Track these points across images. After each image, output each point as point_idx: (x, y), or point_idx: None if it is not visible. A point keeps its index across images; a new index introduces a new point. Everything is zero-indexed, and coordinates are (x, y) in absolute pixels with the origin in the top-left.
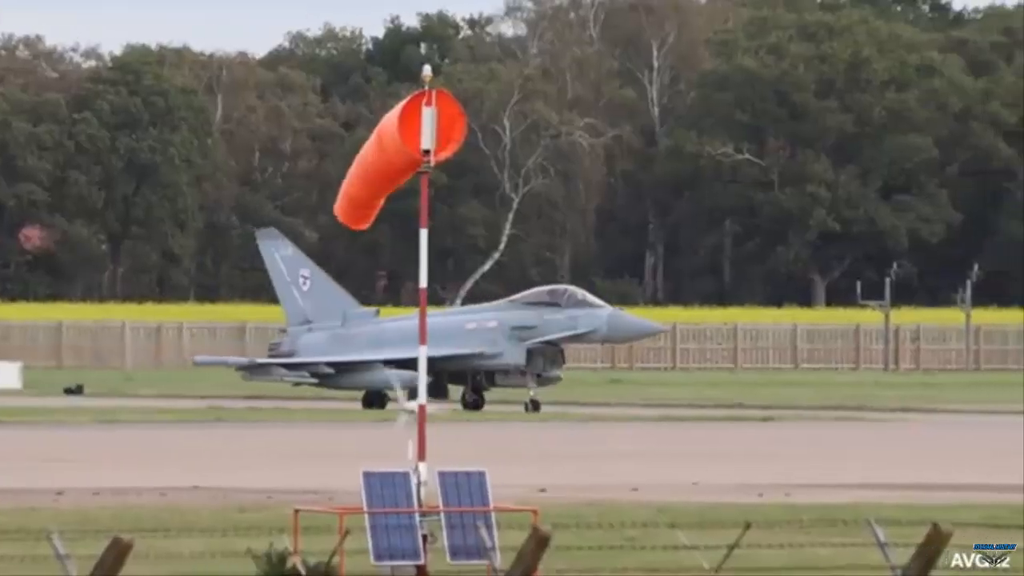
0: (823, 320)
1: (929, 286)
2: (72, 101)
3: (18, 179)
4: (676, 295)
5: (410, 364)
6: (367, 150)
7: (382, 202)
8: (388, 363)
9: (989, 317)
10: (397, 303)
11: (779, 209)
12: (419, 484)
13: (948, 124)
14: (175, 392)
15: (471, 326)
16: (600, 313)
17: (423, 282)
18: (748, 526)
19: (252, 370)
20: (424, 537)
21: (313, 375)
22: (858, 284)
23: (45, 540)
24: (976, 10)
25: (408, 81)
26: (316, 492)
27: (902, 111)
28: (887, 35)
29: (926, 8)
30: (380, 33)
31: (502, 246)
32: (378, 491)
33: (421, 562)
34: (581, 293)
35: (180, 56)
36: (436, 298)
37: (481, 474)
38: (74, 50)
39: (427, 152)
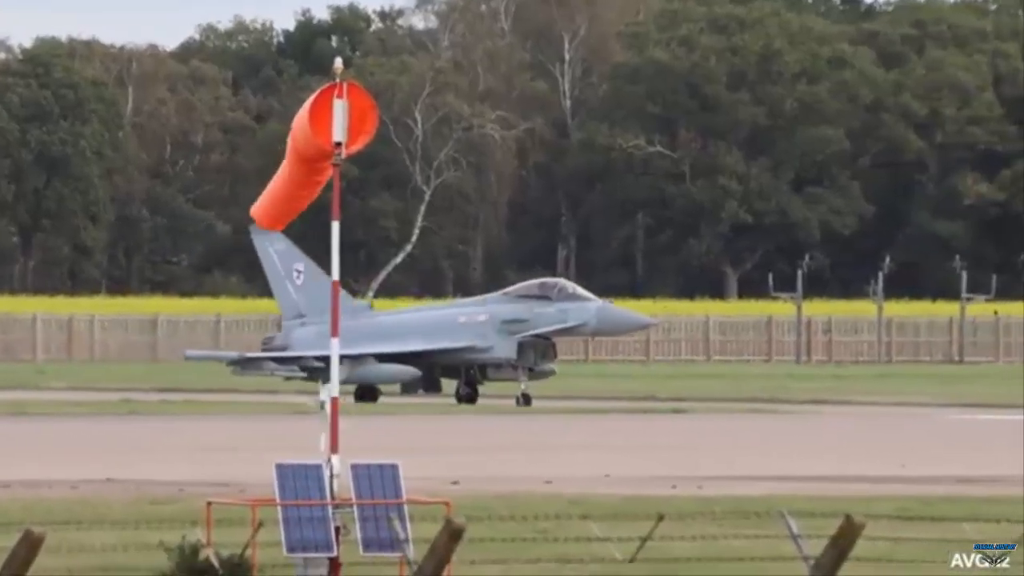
0: (735, 312)
1: (841, 278)
2: None
3: None
4: (588, 287)
5: (402, 358)
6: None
7: (304, 205)
8: (380, 357)
9: (901, 309)
10: None
11: (691, 201)
12: (332, 476)
13: (859, 116)
14: (87, 385)
15: (462, 320)
16: (590, 306)
17: (335, 274)
18: (661, 518)
19: (242, 364)
20: (337, 529)
21: (303, 369)
22: (770, 276)
23: None
24: (887, 2)
25: (319, 74)
26: (228, 484)
27: (813, 103)
28: (798, 27)
29: (837, 1)
30: (291, 26)
31: (414, 239)
32: (291, 483)
33: (334, 554)
34: (572, 287)
35: (90, 49)
36: (348, 291)
37: (394, 467)
38: None
39: (338, 145)
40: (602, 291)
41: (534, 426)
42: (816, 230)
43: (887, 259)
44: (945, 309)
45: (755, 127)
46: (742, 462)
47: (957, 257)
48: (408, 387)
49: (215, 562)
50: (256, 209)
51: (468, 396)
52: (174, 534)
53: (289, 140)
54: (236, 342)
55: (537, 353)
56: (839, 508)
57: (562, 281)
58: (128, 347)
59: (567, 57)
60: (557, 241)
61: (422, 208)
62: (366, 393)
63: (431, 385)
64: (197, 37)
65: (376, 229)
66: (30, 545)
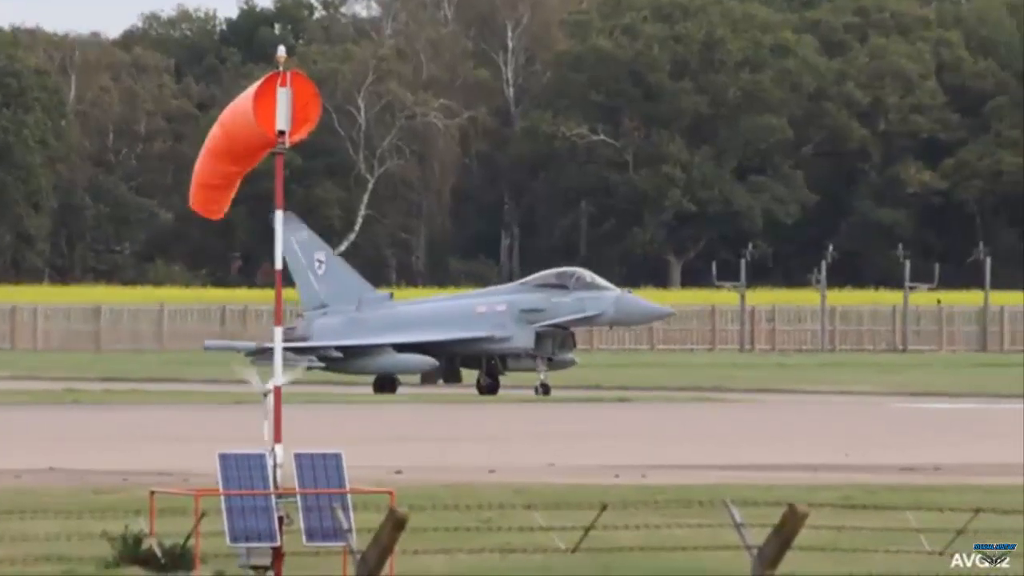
0: (679, 301)
1: (784, 267)
2: None
3: None
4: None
5: (422, 348)
6: (213, 134)
7: (236, 186)
8: (400, 347)
9: (844, 298)
10: (252, 285)
11: (634, 190)
12: (275, 466)
13: (802, 105)
14: (29, 374)
15: (481, 309)
16: (608, 296)
17: (278, 263)
18: (604, 507)
19: (260, 355)
20: (280, 519)
21: (321, 359)
22: (713, 265)
23: None
24: None
25: (263, 62)
26: (172, 474)
27: (756, 92)
28: (741, 15)
29: None
30: (234, 14)
31: (357, 227)
32: (234, 473)
33: (277, 544)
34: (590, 276)
35: (33, 37)
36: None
37: (337, 456)
38: None
39: (282, 133)
40: None
41: (479, 415)
42: (759, 219)
43: (830, 248)
44: (888, 298)
45: (698, 116)
46: (686, 451)
47: (900, 246)
48: (427, 377)
49: (158, 551)
50: (194, 201)
51: (489, 387)
52: (117, 523)
53: (217, 128)
54: (180, 332)
55: (556, 343)
56: (782, 497)
57: (580, 271)
58: (71, 336)
59: (510, 45)
60: (500, 229)
61: (365, 197)
62: (385, 383)
63: (451, 376)
64: (140, 25)
65: (319, 218)
66: None
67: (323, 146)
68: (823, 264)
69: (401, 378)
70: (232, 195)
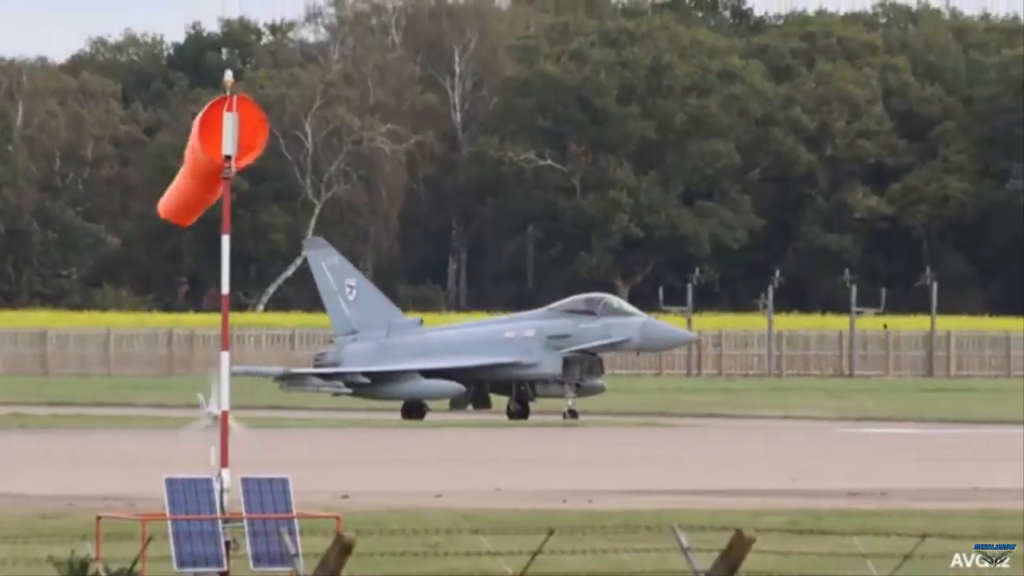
0: None
1: (731, 292)
2: None
3: None
4: (479, 301)
5: (449, 374)
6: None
7: (212, 201)
8: (427, 373)
9: (791, 323)
10: (199, 309)
11: (581, 215)
12: (222, 491)
13: (749, 130)
14: None
15: (510, 335)
16: (634, 322)
17: (225, 288)
18: (551, 532)
19: (288, 380)
20: (227, 544)
21: (348, 385)
22: (660, 290)
23: None
24: (777, 16)
25: (210, 87)
26: (119, 498)
27: (703, 117)
28: (688, 41)
29: (727, 14)
30: (181, 39)
31: (304, 252)
32: (181, 498)
33: (224, 569)
34: (617, 302)
35: None
36: (238, 304)
37: (284, 481)
38: None
39: (228, 158)
40: (492, 305)
41: (426, 440)
42: (706, 244)
43: (777, 273)
44: (835, 323)
45: (645, 141)
46: (633, 476)
47: (847, 271)
48: (456, 403)
49: None
50: (164, 206)
51: (519, 412)
52: (63, 548)
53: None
54: (126, 357)
55: (583, 369)
56: (729, 522)
57: (607, 296)
58: (18, 361)
59: (457, 70)
60: (448, 254)
61: (312, 222)
62: (413, 409)
63: (480, 401)
64: (87, 50)
65: (266, 243)
66: None
67: (270, 171)
68: (770, 289)
69: (431, 404)
70: (203, 209)
